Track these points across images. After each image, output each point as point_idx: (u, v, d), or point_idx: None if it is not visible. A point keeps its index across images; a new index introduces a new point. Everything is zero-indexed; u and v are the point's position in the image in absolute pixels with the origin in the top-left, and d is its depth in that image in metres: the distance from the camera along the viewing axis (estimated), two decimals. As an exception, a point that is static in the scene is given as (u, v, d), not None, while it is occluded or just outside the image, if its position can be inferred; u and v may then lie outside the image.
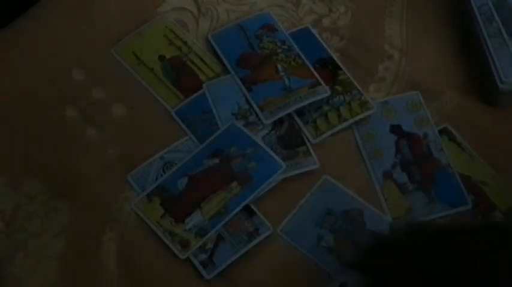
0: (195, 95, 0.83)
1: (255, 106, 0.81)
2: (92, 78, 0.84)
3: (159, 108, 0.82)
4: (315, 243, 0.75)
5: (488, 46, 0.82)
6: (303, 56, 0.85)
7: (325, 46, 0.87)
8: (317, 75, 0.83)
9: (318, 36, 0.88)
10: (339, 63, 0.85)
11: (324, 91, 0.82)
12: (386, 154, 0.80)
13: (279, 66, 0.83)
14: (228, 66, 0.84)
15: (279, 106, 0.80)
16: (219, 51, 0.85)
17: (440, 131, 0.82)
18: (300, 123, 0.81)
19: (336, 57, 0.86)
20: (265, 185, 0.76)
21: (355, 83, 0.84)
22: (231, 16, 0.89)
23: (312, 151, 0.80)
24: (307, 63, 0.84)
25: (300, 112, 0.81)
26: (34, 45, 0.86)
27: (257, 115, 0.81)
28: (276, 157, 0.78)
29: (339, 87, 0.84)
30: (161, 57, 0.85)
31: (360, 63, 0.86)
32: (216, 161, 0.78)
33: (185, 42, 0.86)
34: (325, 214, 0.77)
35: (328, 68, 0.85)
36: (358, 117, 0.82)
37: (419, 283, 0.58)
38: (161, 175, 0.78)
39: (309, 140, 0.80)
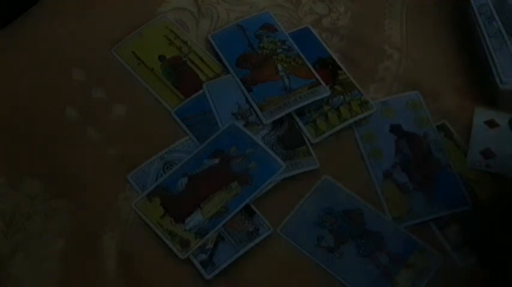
0: (195, 95, 0.83)
1: (255, 106, 0.81)
2: (92, 78, 0.84)
3: (159, 108, 0.82)
4: (315, 243, 0.75)
5: (488, 46, 0.82)
6: (303, 56, 0.85)
7: (325, 46, 0.87)
8: (317, 75, 0.83)
9: (318, 36, 0.88)
10: (339, 63, 0.85)
11: (324, 91, 0.82)
12: (386, 153, 0.80)
13: (279, 66, 0.83)
14: (228, 66, 0.84)
15: (279, 106, 0.80)
16: (219, 51, 0.85)
17: (437, 127, 0.82)
18: (300, 123, 0.81)
19: (336, 57, 0.86)
20: (265, 185, 0.76)
21: (355, 83, 0.84)
22: (231, 16, 0.89)
23: (312, 151, 0.80)
24: (307, 63, 0.84)
25: (300, 112, 0.81)
26: (34, 45, 0.86)
27: (257, 115, 0.81)
28: (276, 157, 0.78)
29: (339, 87, 0.84)
30: (161, 57, 0.85)
31: (360, 63, 0.86)
32: (216, 161, 0.78)
33: (185, 42, 0.86)
34: (325, 214, 0.77)
35: (328, 68, 0.85)
36: (358, 117, 0.82)
37: None
38: (161, 175, 0.78)
39: (309, 140, 0.80)
